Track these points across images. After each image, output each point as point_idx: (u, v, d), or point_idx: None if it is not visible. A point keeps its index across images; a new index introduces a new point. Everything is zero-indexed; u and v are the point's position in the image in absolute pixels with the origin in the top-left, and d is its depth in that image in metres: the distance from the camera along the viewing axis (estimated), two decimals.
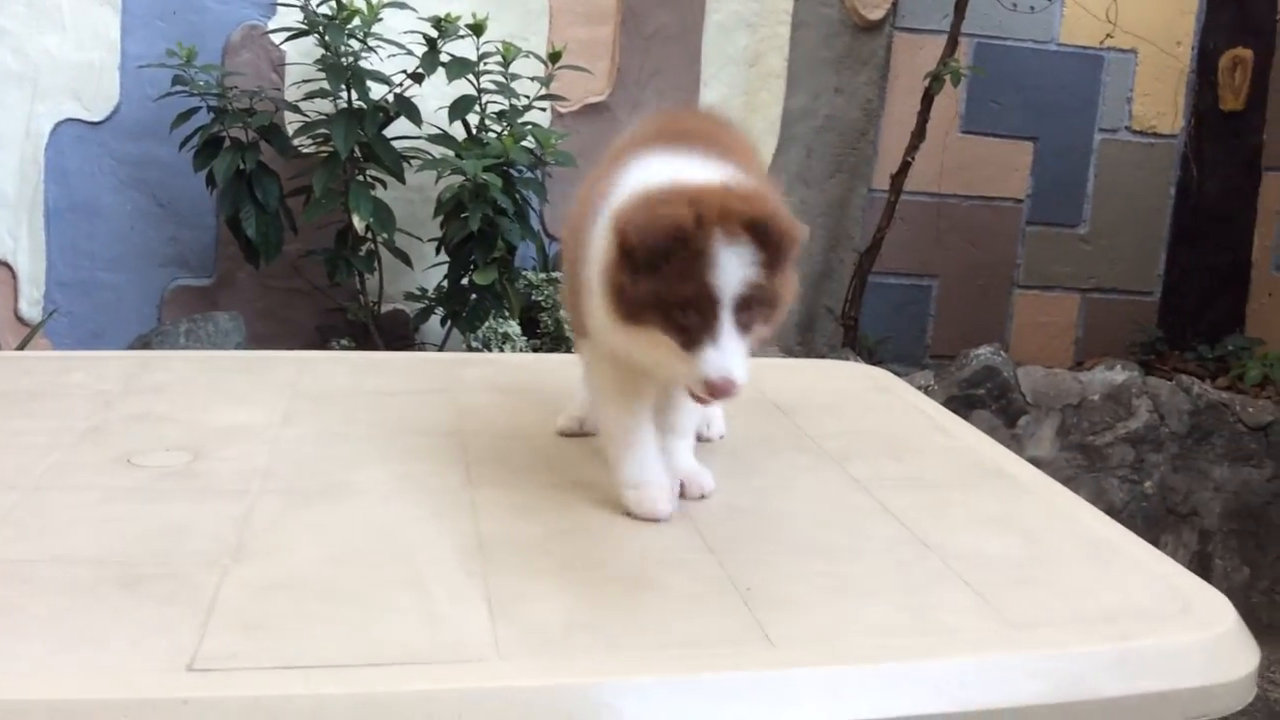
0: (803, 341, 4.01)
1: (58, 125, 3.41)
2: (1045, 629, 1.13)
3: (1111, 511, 2.92)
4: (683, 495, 1.39)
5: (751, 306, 1.18)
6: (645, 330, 1.20)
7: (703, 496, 1.39)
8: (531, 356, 2.38)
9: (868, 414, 1.80)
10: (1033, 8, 3.88)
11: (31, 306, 3.43)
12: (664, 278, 1.16)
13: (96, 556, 1.15)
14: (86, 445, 1.47)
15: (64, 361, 1.88)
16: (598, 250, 1.24)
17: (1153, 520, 3.36)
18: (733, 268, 1.16)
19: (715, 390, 1.17)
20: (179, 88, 3.18)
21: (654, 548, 1.27)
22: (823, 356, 3.73)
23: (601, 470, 1.47)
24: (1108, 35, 3.96)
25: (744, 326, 1.18)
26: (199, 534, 1.22)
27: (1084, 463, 3.36)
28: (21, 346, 3.21)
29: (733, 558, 1.24)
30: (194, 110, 3.20)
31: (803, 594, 1.16)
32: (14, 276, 3.42)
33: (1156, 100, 4.19)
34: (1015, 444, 3.27)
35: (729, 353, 1.16)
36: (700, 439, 1.58)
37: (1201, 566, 3.39)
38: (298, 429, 1.59)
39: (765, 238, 1.17)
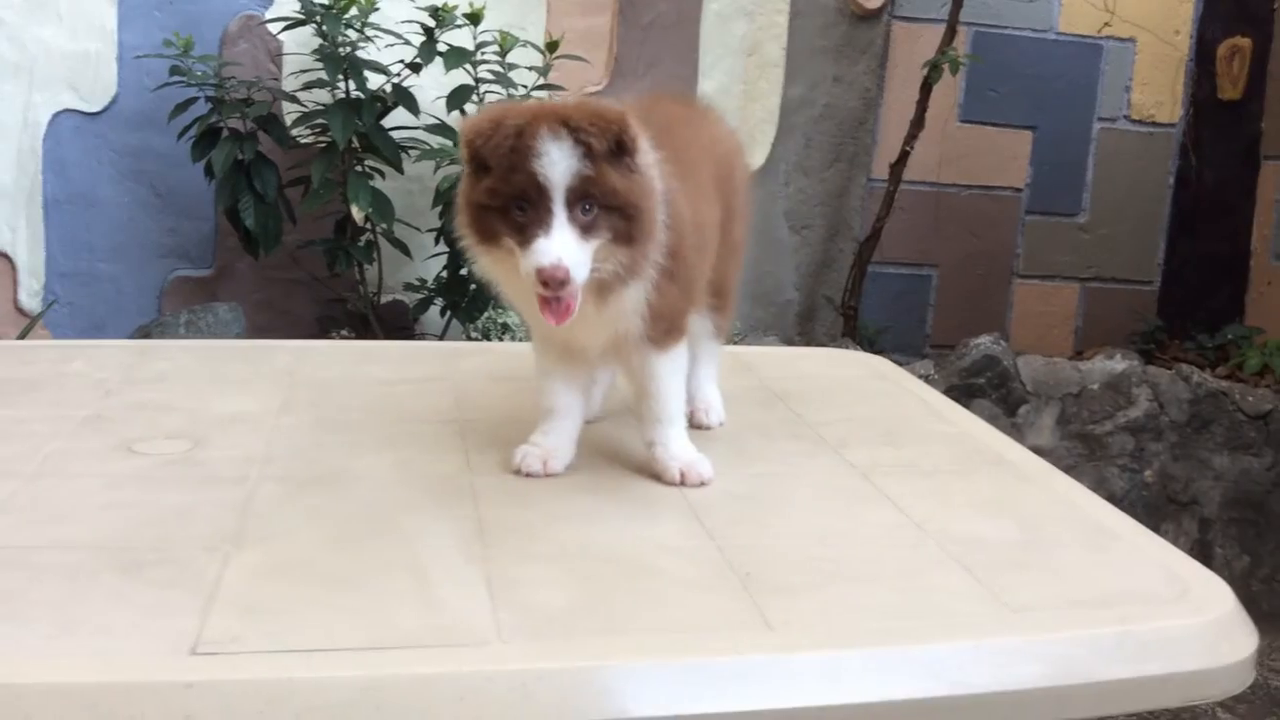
0: (802, 331, 4.01)
1: (55, 116, 3.40)
2: (1043, 613, 1.14)
3: (1112, 500, 2.91)
4: (682, 483, 1.40)
5: (589, 203, 1.24)
6: (497, 247, 1.26)
7: (702, 484, 1.40)
8: (528, 345, 2.38)
9: (866, 401, 1.80)
10: None
11: (31, 297, 3.43)
12: (499, 174, 1.24)
13: (98, 542, 1.15)
14: (87, 433, 1.47)
15: (63, 350, 1.88)
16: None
17: (1153, 509, 3.36)
18: (558, 158, 1.22)
19: (546, 277, 1.21)
20: (176, 78, 3.18)
21: (653, 533, 1.27)
22: (823, 346, 3.73)
23: (599, 457, 1.47)
24: (1105, 24, 3.95)
25: (585, 227, 1.24)
26: (200, 520, 1.22)
27: (1084, 452, 3.36)
28: (21, 337, 3.21)
29: (731, 543, 1.24)
30: (192, 100, 3.20)
31: (801, 579, 1.17)
32: (13, 268, 3.42)
33: (1155, 89, 4.19)
34: (1015, 433, 3.27)
35: (558, 241, 1.22)
36: (700, 426, 1.59)
37: (1202, 555, 3.40)
38: (296, 417, 1.59)
39: (589, 127, 1.23)
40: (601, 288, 1.30)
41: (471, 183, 1.28)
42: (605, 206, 1.25)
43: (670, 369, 1.40)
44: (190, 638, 0.97)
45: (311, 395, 1.68)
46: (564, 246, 1.22)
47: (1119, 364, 3.44)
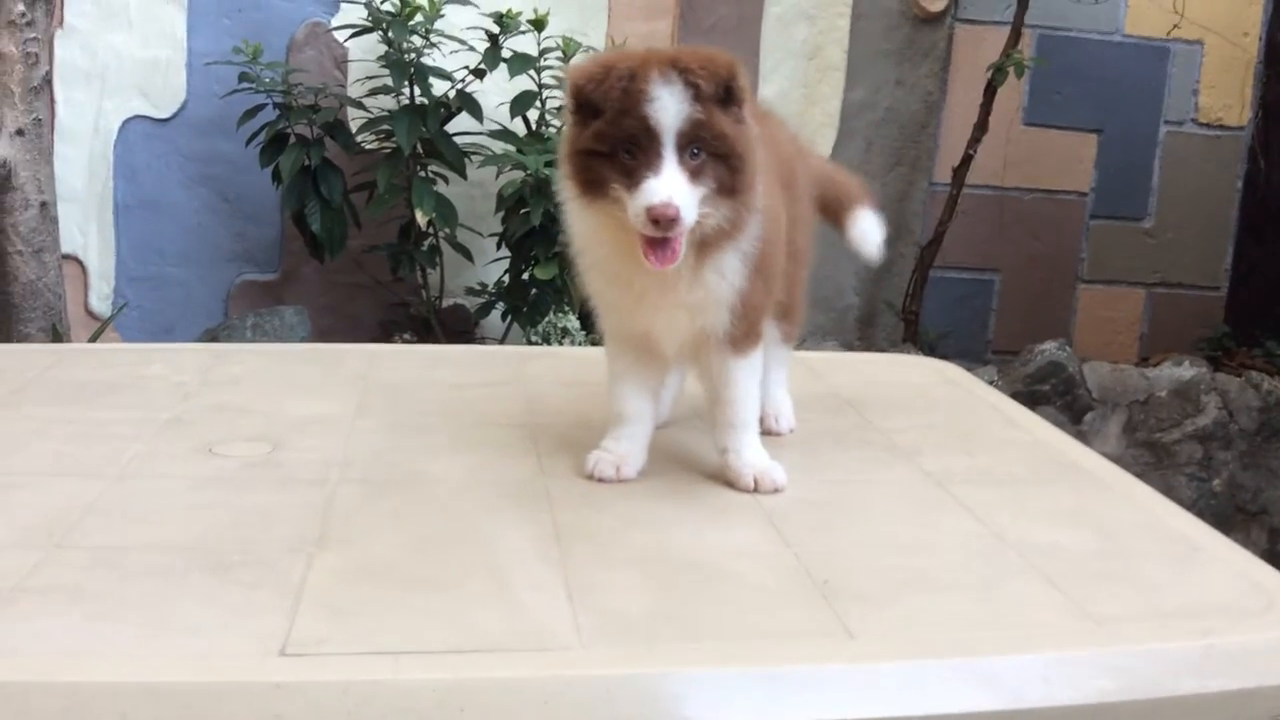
0: (863, 336, 3.99)
1: (126, 122, 3.47)
2: (1127, 625, 1.12)
3: None
4: (756, 490, 1.40)
5: (698, 147, 1.24)
6: (606, 200, 1.26)
7: (776, 490, 1.39)
8: (595, 350, 2.39)
9: (937, 408, 1.79)
10: None
11: (102, 301, 3.50)
12: (608, 119, 1.24)
13: (185, 543, 1.17)
14: (168, 435, 1.50)
15: (141, 354, 1.92)
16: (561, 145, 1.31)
17: (1221, 518, 3.30)
18: (669, 102, 1.23)
19: (657, 214, 1.21)
20: (245, 84, 3.22)
21: (729, 540, 1.27)
22: (883, 351, 3.71)
23: (671, 462, 1.48)
24: (1175, 26, 3.89)
25: (694, 171, 1.24)
26: (283, 522, 1.24)
27: (1151, 460, 3.32)
28: (93, 340, 3.27)
29: (808, 551, 1.24)
30: (260, 107, 3.24)
31: (880, 587, 1.16)
32: (84, 272, 3.49)
33: (1223, 92, 4.12)
34: (1081, 440, 3.22)
35: (668, 180, 1.22)
36: (770, 433, 1.59)
37: (1271, 565, 3.33)
38: (371, 420, 1.61)
39: (700, 71, 1.23)
40: (702, 245, 1.30)
41: (577, 130, 1.27)
42: (713, 153, 1.25)
43: (747, 373, 1.40)
44: (278, 639, 0.99)
45: (385, 399, 1.70)
46: (674, 186, 1.22)
47: (1187, 371, 3.39)
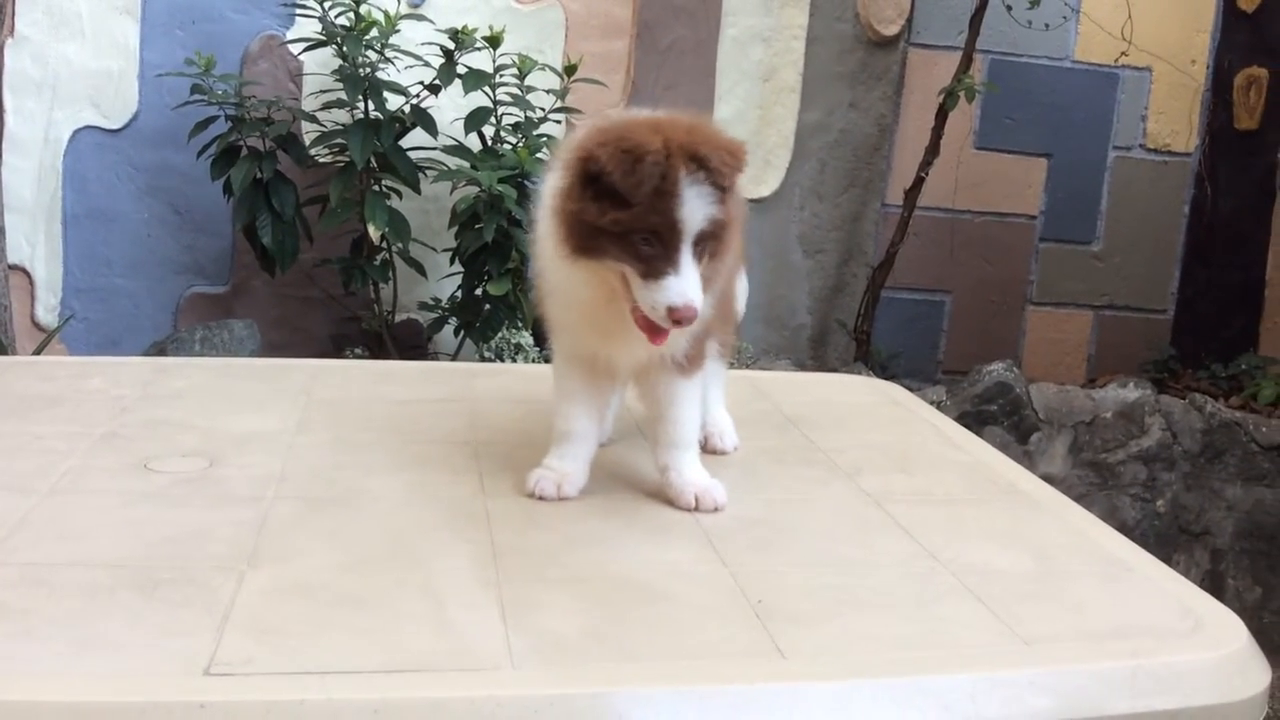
0: (815, 355, 4.01)
1: (76, 132, 3.43)
2: (1056, 645, 1.14)
3: (1124, 530, 2.90)
4: (696, 508, 1.40)
5: (708, 238, 1.25)
6: (598, 263, 1.26)
7: (716, 509, 1.40)
8: (544, 367, 2.39)
9: (880, 428, 1.80)
10: (1047, 25, 3.88)
11: (48, 312, 3.46)
12: (635, 211, 1.22)
13: (114, 560, 1.16)
14: (104, 450, 1.48)
15: (82, 367, 1.90)
16: (547, 190, 1.30)
17: (1165, 539, 3.35)
18: (698, 204, 1.23)
19: (678, 315, 1.23)
20: (197, 96, 3.20)
21: (666, 559, 1.27)
22: (835, 370, 3.73)
23: (612, 480, 1.48)
24: (1122, 53, 3.96)
25: (698, 257, 1.26)
26: (215, 539, 1.23)
27: (1096, 480, 3.35)
28: (38, 352, 3.23)
29: (744, 570, 1.24)
30: (212, 119, 3.22)
31: (814, 607, 1.17)
32: (31, 282, 3.44)
33: (1171, 118, 4.19)
34: (1027, 461, 3.27)
35: (689, 281, 1.23)
36: (715, 451, 1.59)
37: (1214, 586, 3.38)
38: (312, 436, 1.60)
39: (724, 169, 1.24)
40: None
41: (586, 205, 1.24)
42: (716, 238, 1.27)
43: (693, 394, 1.42)
44: (204, 658, 0.98)
45: (327, 415, 1.69)
46: (694, 287, 1.23)
47: (1132, 393, 3.43)
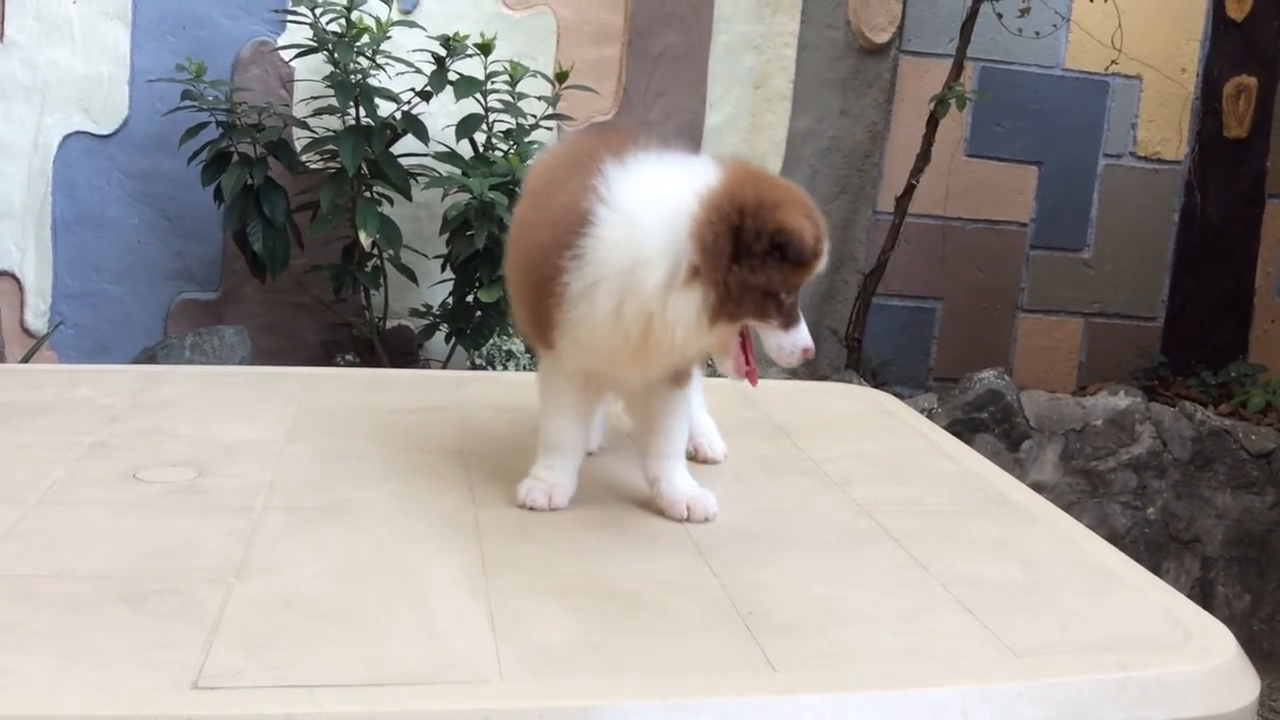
0: (806, 362, 4.01)
1: (66, 138, 3.42)
2: (1046, 656, 1.14)
3: (1114, 538, 2.92)
4: (688, 519, 1.40)
5: None
6: (734, 321, 1.31)
7: (707, 519, 1.40)
8: (532, 374, 2.39)
9: (870, 437, 1.80)
10: (1038, 33, 3.89)
11: (38, 318, 3.44)
12: (784, 270, 1.30)
13: (102, 572, 1.16)
14: (93, 460, 1.48)
15: (70, 375, 1.89)
16: (673, 251, 1.27)
17: (1155, 547, 3.35)
18: None
19: (811, 355, 1.38)
20: (188, 102, 3.19)
21: (656, 569, 1.27)
22: (826, 378, 3.73)
23: (601, 490, 1.48)
24: (1113, 62, 3.97)
25: None
26: (204, 550, 1.22)
27: (1087, 488, 3.36)
28: (27, 358, 3.22)
29: (734, 581, 1.24)
30: (203, 125, 3.21)
31: (804, 618, 1.17)
32: (20, 288, 3.43)
33: (1161, 126, 4.20)
34: (1018, 468, 3.27)
35: (804, 325, 1.37)
36: (706, 460, 1.59)
37: (1203, 593, 3.39)
38: (302, 446, 1.59)
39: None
40: None
41: (736, 264, 1.28)
42: None
43: (684, 405, 1.44)
44: (192, 671, 0.98)
45: (318, 424, 1.69)
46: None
47: (1122, 400, 3.44)
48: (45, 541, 1.23)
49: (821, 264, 1.35)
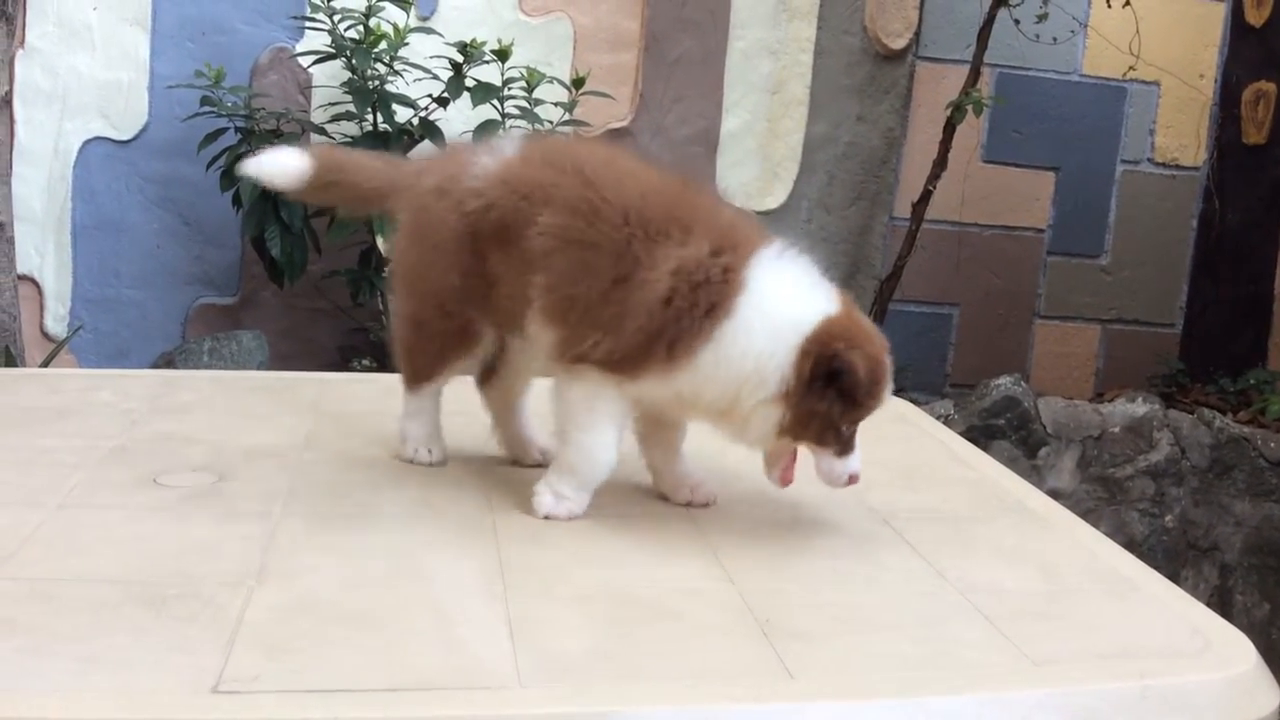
0: None
1: (86, 143, 3.44)
2: (1064, 665, 1.13)
3: (1132, 545, 2.91)
4: (690, 503, 1.46)
5: None
6: (795, 440, 1.36)
7: (707, 505, 1.46)
8: (543, 381, 2.39)
9: (886, 443, 1.79)
10: (1055, 39, 3.88)
11: (57, 323, 3.47)
12: (843, 404, 1.33)
13: (122, 576, 1.16)
14: (113, 464, 1.48)
15: (91, 379, 1.91)
16: (780, 374, 1.32)
17: (1173, 554, 3.33)
18: None
19: (856, 481, 1.38)
20: (207, 108, 3.21)
21: (673, 575, 1.27)
22: None
23: (621, 496, 1.48)
24: (1131, 68, 3.96)
25: None
26: (223, 555, 1.23)
27: (1104, 495, 3.35)
28: (47, 362, 3.24)
29: (751, 587, 1.24)
30: (221, 131, 3.23)
31: (821, 625, 1.17)
32: (40, 293, 3.45)
33: (1179, 132, 4.19)
34: (1035, 475, 3.26)
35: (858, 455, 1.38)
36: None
37: (1222, 602, 3.37)
38: (320, 451, 1.60)
39: None
40: None
41: (820, 401, 1.32)
42: None
43: None
44: (212, 675, 0.98)
45: (335, 429, 1.69)
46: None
47: (1140, 407, 3.42)
48: (66, 545, 1.24)
49: (879, 404, 1.37)
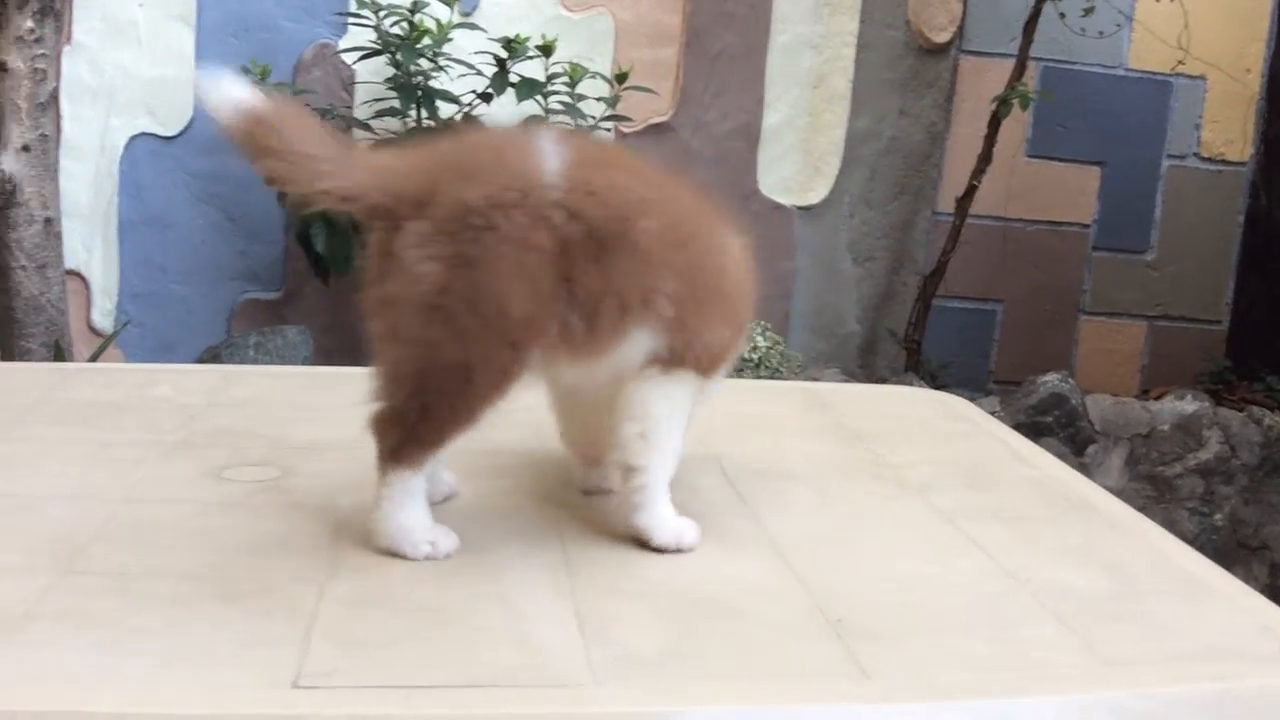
0: (864, 364, 3.99)
1: (132, 139, 3.47)
2: (1140, 667, 1.12)
3: None
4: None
5: None
6: None
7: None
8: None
9: (946, 443, 1.78)
10: (1101, 32, 3.84)
11: (104, 317, 3.49)
12: None
13: (195, 570, 1.17)
14: (176, 458, 1.49)
15: (147, 374, 1.91)
16: None
17: (1223, 553, 3.30)
18: None
19: None
20: None
21: (739, 573, 1.27)
22: (884, 380, 3.71)
23: (678, 496, 1.47)
24: (1179, 62, 3.91)
25: None
26: (292, 549, 1.23)
27: (1153, 493, 3.31)
28: (94, 357, 3.27)
29: (819, 586, 1.23)
30: None
31: (892, 626, 1.16)
32: (87, 287, 3.48)
33: (1225, 127, 4.14)
34: (1084, 473, 3.22)
35: None
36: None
37: (1272, 601, 3.33)
38: None
39: None
40: None
41: None
42: None
43: None
44: (291, 670, 0.98)
45: None
46: None
47: (1189, 405, 3.39)
48: (136, 540, 1.24)
49: None
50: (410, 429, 1.25)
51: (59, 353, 3.05)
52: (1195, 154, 4.13)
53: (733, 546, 1.34)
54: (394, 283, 1.22)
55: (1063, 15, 3.69)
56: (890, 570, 1.30)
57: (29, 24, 2.96)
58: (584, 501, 1.42)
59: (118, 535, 1.25)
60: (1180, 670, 1.12)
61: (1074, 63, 3.98)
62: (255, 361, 3.20)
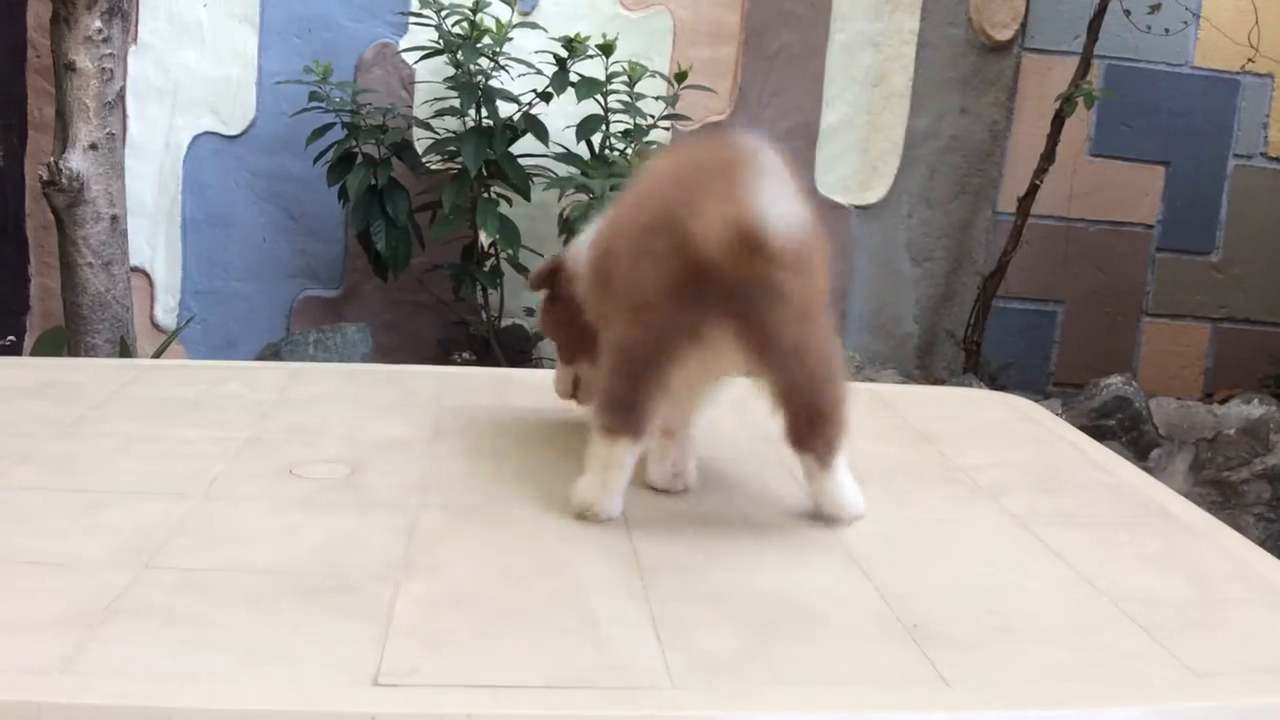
0: (921, 365, 3.96)
1: (196, 138, 3.51)
2: (1228, 677, 1.09)
3: None
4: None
5: None
6: None
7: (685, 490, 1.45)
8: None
9: (1017, 446, 1.76)
10: (1167, 30, 3.78)
11: (167, 314, 3.54)
12: None
13: (274, 567, 1.17)
14: (250, 455, 1.50)
15: (219, 372, 1.93)
16: None
17: None
18: None
19: None
20: (314, 104, 3.26)
21: (810, 577, 1.25)
22: (942, 381, 3.68)
23: (748, 499, 1.46)
24: (1249, 60, 3.84)
25: None
26: (369, 547, 1.24)
27: (1218, 499, 3.26)
28: (158, 353, 3.31)
29: (893, 591, 1.22)
30: (328, 126, 3.28)
31: (972, 633, 1.14)
32: (151, 284, 3.53)
33: None
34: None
35: None
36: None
37: None
38: (447, 444, 1.60)
39: None
40: None
41: None
42: None
43: None
44: (371, 668, 0.98)
45: (460, 422, 1.70)
46: None
47: (1256, 409, 3.33)
48: (214, 536, 1.25)
49: None
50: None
51: (124, 348, 3.10)
52: (1263, 153, 4.06)
53: (803, 551, 1.33)
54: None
55: (1128, 12, 3.63)
56: (966, 576, 1.28)
57: (97, 24, 3.01)
58: (654, 500, 1.42)
59: (196, 531, 1.26)
60: (1270, 681, 1.10)
61: (1139, 61, 3.92)
62: (314, 358, 3.23)
